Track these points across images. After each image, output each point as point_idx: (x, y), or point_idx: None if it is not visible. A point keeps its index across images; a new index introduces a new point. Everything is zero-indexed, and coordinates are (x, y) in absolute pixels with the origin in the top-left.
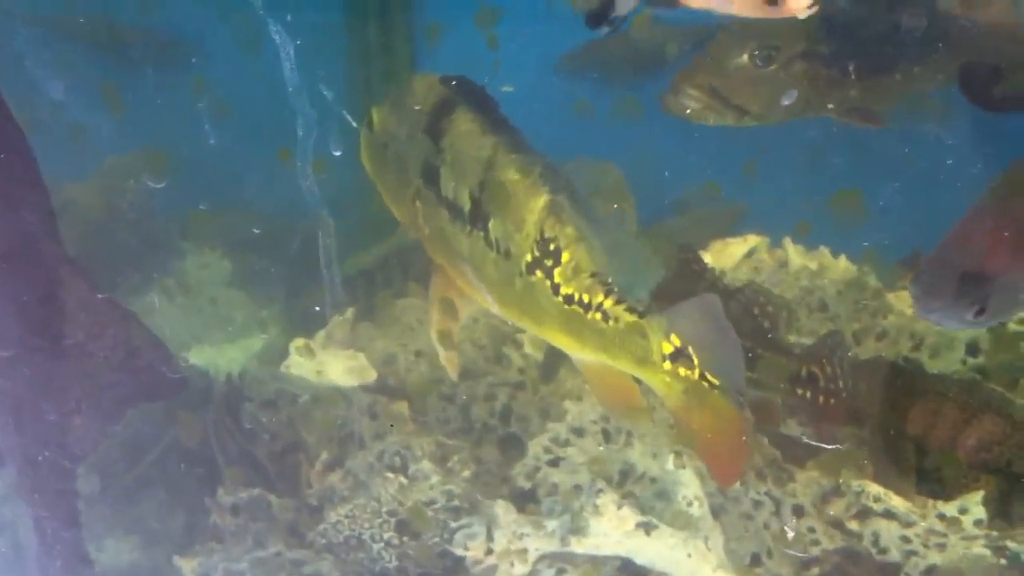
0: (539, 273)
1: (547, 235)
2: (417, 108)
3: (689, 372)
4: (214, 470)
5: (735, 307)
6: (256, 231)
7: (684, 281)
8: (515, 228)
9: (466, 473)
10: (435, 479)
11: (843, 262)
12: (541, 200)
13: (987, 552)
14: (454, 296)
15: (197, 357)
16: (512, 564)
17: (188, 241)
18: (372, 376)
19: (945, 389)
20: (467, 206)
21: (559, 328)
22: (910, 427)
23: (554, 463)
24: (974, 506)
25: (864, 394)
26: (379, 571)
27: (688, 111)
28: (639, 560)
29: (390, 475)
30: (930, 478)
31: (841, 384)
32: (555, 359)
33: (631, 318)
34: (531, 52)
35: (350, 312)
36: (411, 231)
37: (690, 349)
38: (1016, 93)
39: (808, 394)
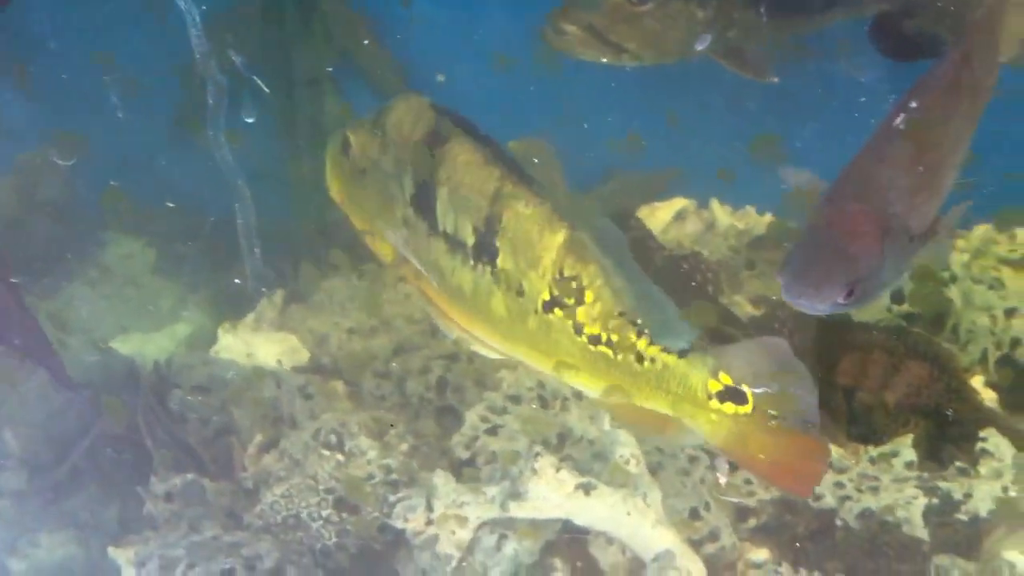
0: (558, 312)
1: (567, 273)
2: (405, 134)
3: (741, 408)
4: (146, 458)
5: (679, 275)
6: (170, 204)
7: (634, 252)
8: (529, 265)
9: (403, 447)
10: (372, 454)
11: (767, 218)
12: (559, 236)
13: (919, 492)
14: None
15: (124, 346)
16: (453, 533)
17: (110, 231)
18: (305, 357)
19: (872, 338)
20: (470, 240)
21: (583, 366)
22: (841, 378)
23: (492, 431)
24: (905, 449)
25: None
26: (319, 549)
27: (567, 47)
28: (579, 521)
29: (326, 453)
30: (861, 424)
31: None
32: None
33: (670, 358)
34: (445, 8)
35: (279, 294)
36: (387, 257)
37: (744, 386)
38: (920, 40)
39: None
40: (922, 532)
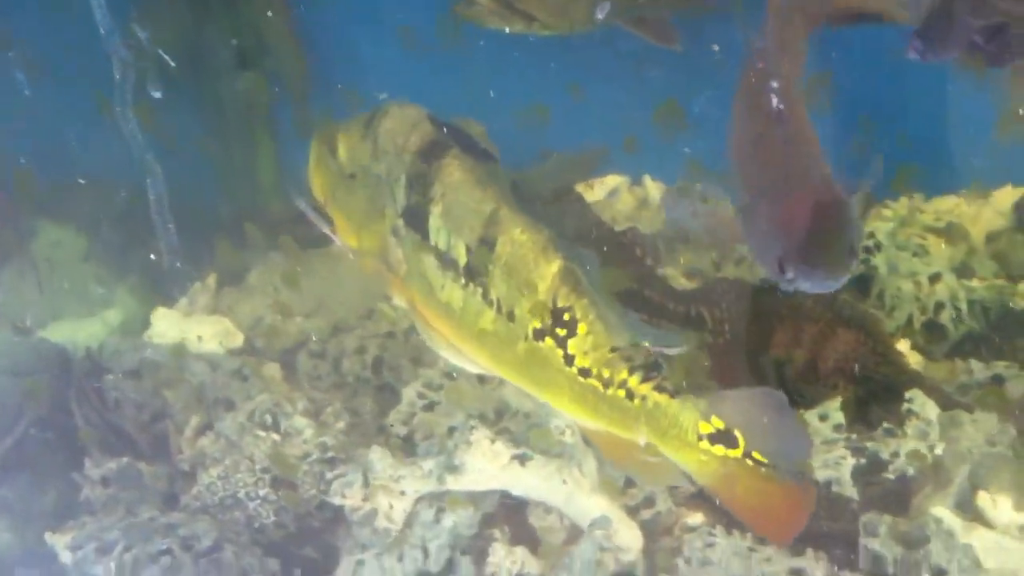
0: (549, 341)
1: (560, 304)
2: (399, 144)
3: (731, 452)
4: (81, 444)
5: (619, 249)
6: (81, 181)
7: (573, 226)
8: (521, 292)
9: (340, 425)
10: (308, 433)
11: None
12: (554, 266)
13: (847, 453)
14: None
15: (55, 333)
16: (391, 507)
17: (41, 219)
18: (239, 339)
19: (803, 308)
20: (462, 259)
21: (568, 398)
22: (773, 348)
23: (428, 407)
24: (833, 412)
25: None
26: (257, 528)
27: (477, 16)
28: (516, 492)
29: (262, 433)
30: (792, 391)
31: (727, 326)
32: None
33: (662, 397)
34: None
35: (212, 278)
36: (371, 263)
37: (737, 432)
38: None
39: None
40: (851, 491)
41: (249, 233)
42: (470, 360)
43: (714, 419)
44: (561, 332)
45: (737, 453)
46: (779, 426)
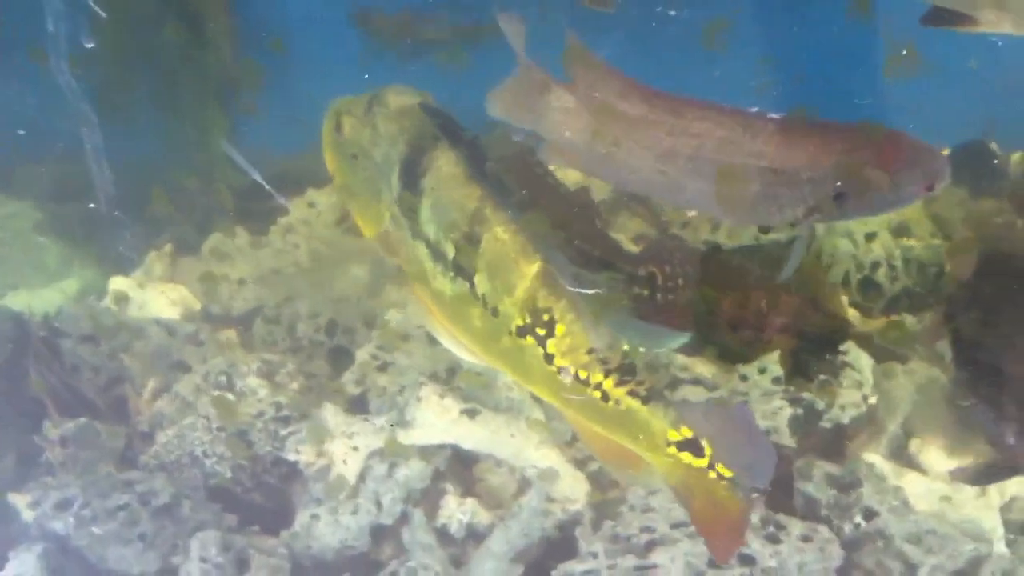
0: (530, 339)
1: (540, 305)
2: (394, 132)
3: (696, 461)
4: (40, 409)
5: (576, 211)
6: (21, 132)
7: (528, 186)
8: (504, 290)
9: (294, 385)
10: (263, 393)
11: None
12: (534, 267)
13: (784, 404)
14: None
15: (12, 302)
16: (344, 463)
17: None
18: (196, 307)
19: (744, 265)
20: (450, 253)
21: (550, 394)
22: (723, 315)
23: (382, 368)
24: (772, 365)
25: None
26: (214, 485)
27: None
28: (466, 446)
29: (217, 393)
30: (732, 344)
31: (680, 282)
32: (381, 277)
33: (633, 403)
34: None
35: (168, 247)
36: (378, 244)
37: (704, 442)
38: None
39: (646, 292)
40: (788, 440)
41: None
42: (467, 350)
43: (683, 428)
44: (541, 332)
45: (703, 463)
46: (747, 443)
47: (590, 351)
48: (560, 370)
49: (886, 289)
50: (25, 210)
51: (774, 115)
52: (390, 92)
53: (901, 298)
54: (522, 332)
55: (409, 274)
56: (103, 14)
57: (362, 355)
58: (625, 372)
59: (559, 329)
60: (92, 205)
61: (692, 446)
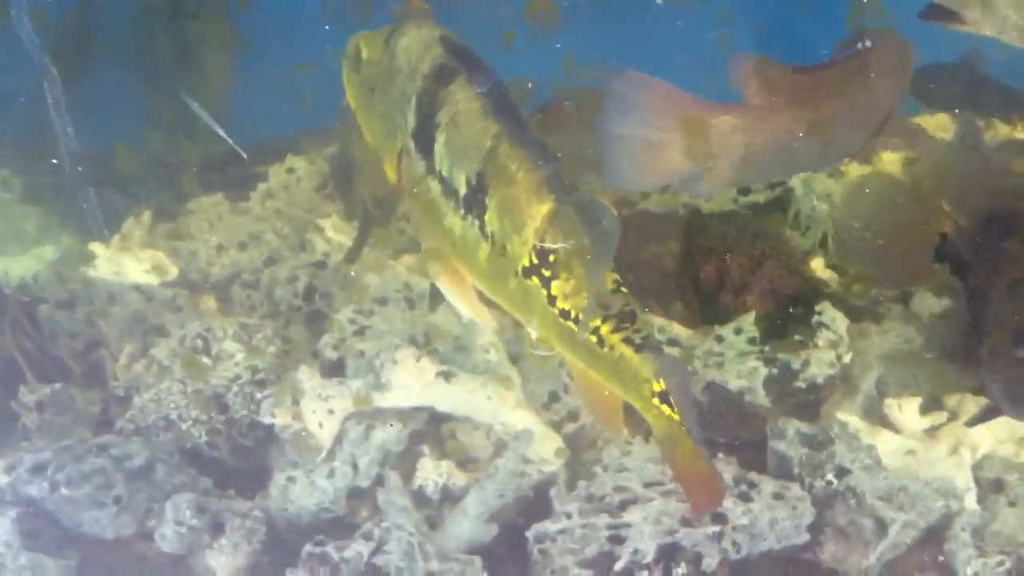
0: (535, 280)
1: (547, 246)
2: (412, 64)
3: (672, 414)
4: (16, 374)
5: None
6: None
7: None
8: (513, 229)
9: (271, 349)
10: (239, 357)
11: None
12: (545, 207)
13: (759, 364)
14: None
15: None
16: (320, 426)
17: None
18: (174, 272)
19: (720, 229)
20: (463, 190)
21: (554, 337)
22: (704, 283)
23: (360, 332)
24: (747, 326)
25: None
26: (190, 448)
27: None
28: (442, 408)
29: (186, 354)
30: (710, 307)
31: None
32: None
33: (627, 350)
34: None
35: (147, 214)
36: (393, 182)
37: (672, 397)
38: None
39: None
40: (763, 400)
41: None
42: (469, 300)
43: (662, 380)
44: (546, 273)
45: (676, 416)
46: (689, 396)
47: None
48: (561, 312)
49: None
50: (4, 178)
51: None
52: (410, 26)
53: None
54: (528, 273)
55: (421, 211)
56: None
57: (340, 319)
58: (623, 319)
59: (562, 272)
60: (55, 161)
61: (667, 399)
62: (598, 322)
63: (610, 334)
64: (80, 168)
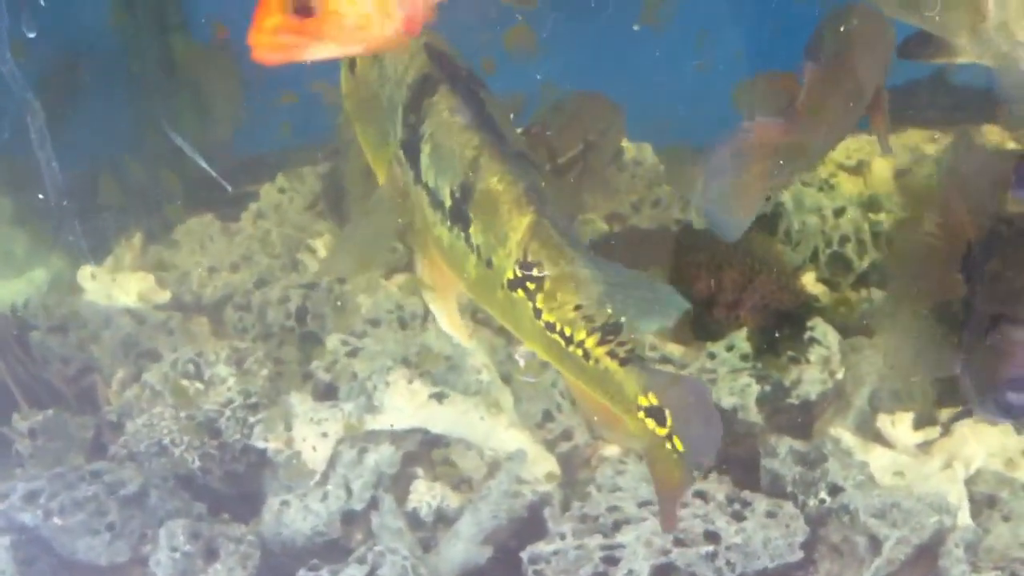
0: (520, 292)
1: (531, 258)
2: (399, 74)
3: (659, 429)
4: (9, 400)
5: None
6: None
7: None
8: (497, 242)
9: (264, 372)
10: (231, 381)
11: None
12: (526, 219)
13: (752, 381)
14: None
15: None
16: (314, 449)
17: None
18: (166, 295)
19: (711, 246)
20: (448, 202)
21: (541, 348)
22: (695, 299)
23: (352, 353)
24: (740, 342)
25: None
26: (183, 474)
27: None
28: (435, 429)
29: (186, 382)
30: (703, 325)
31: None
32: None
33: (611, 364)
34: None
35: (138, 236)
36: (386, 187)
37: (667, 412)
38: None
39: None
40: (756, 417)
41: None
42: (450, 314)
43: (651, 395)
44: (531, 286)
45: (663, 432)
46: (702, 419)
47: (577, 307)
48: (547, 325)
49: (855, 264)
50: None
51: None
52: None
53: (871, 273)
54: (513, 285)
55: (413, 222)
56: (42, 2)
57: (332, 341)
58: (608, 332)
59: (547, 284)
60: (40, 196)
61: (657, 414)
62: (583, 335)
63: (595, 347)
64: (65, 202)
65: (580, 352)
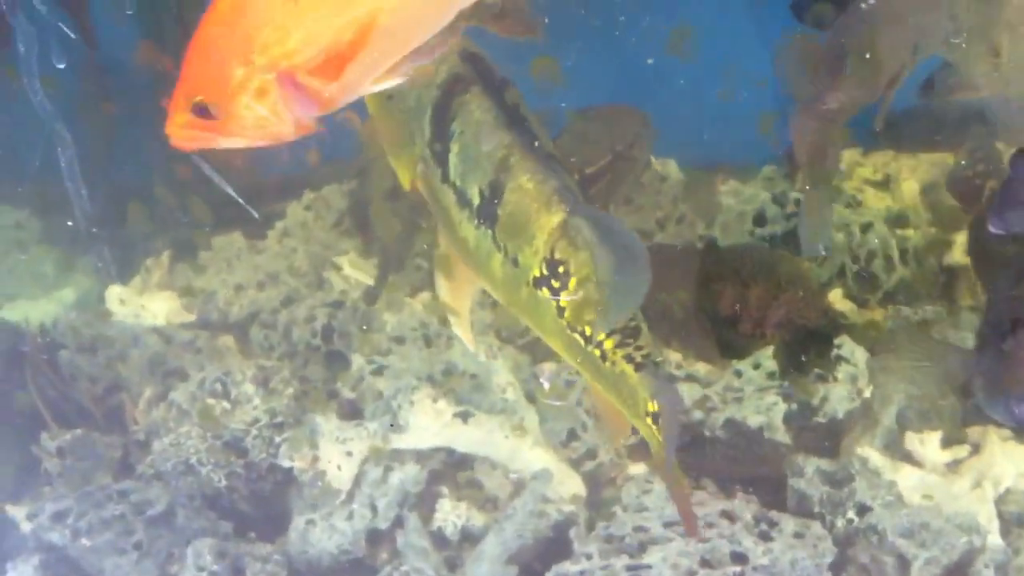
0: (545, 291)
1: (558, 256)
2: (429, 74)
3: (659, 434)
4: (38, 420)
5: None
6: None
7: None
8: (524, 240)
9: (289, 391)
10: (257, 400)
11: None
12: (556, 218)
13: (779, 399)
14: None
15: (10, 313)
16: (339, 468)
17: None
18: (193, 314)
19: (736, 261)
20: (476, 200)
21: (562, 347)
22: (721, 311)
23: (377, 372)
24: (766, 360)
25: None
26: (210, 493)
27: None
28: (460, 448)
29: (212, 401)
30: (728, 343)
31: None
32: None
33: (628, 368)
34: None
35: (166, 254)
36: (405, 183)
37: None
38: None
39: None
40: (783, 436)
41: (165, 197)
42: (463, 319)
43: (655, 402)
44: (556, 284)
45: (661, 437)
46: (670, 420)
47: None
48: (570, 324)
49: (883, 281)
50: (26, 219)
51: None
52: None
53: (898, 289)
54: (539, 284)
55: (438, 221)
56: (72, 34)
57: (358, 359)
58: (628, 335)
59: (572, 283)
60: (69, 223)
61: (658, 421)
62: (602, 336)
63: (613, 349)
64: (95, 230)
65: (598, 352)
